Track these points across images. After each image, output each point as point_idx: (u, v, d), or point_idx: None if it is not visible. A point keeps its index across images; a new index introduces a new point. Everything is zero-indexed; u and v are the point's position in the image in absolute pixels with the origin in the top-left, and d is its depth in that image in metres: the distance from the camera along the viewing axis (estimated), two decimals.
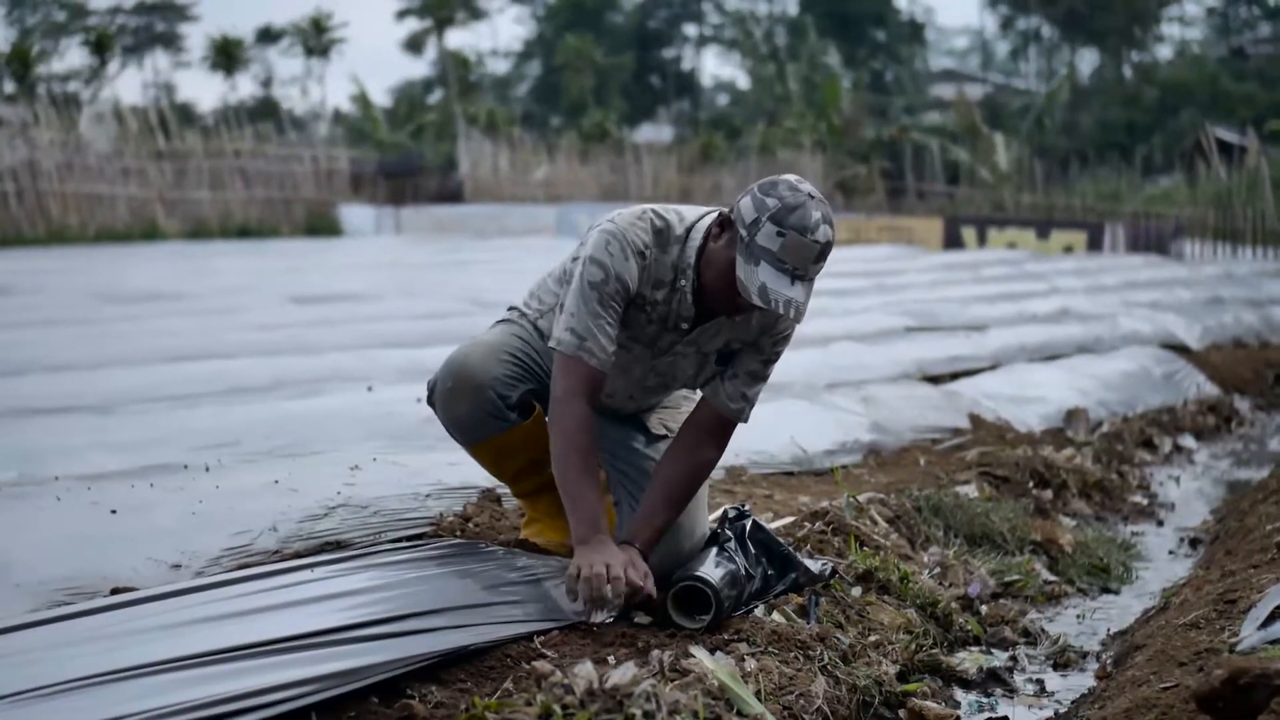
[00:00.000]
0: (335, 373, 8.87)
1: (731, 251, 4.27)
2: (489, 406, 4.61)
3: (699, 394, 4.77)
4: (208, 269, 22.06)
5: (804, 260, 4.18)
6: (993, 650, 5.23)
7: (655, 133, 58.65)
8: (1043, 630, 5.52)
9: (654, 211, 4.49)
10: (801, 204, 4.19)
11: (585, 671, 3.63)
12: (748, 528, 4.69)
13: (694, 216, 4.52)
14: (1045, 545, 6.49)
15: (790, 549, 4.79)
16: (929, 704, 4.44)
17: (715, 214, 4.48)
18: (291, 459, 5.99)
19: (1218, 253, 27.50)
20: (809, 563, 4.83)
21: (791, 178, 4.29)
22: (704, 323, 4.55)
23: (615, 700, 3.55)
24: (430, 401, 4.76)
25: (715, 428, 4.60)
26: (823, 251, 4.21)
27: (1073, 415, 9.11)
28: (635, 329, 4.55)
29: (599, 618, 4.27)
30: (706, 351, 4.62)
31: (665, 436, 4.80)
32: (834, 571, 4.95)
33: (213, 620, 3.71)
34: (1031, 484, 7.44)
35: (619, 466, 4.81)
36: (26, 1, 69.03)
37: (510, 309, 4.88)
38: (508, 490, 5.19)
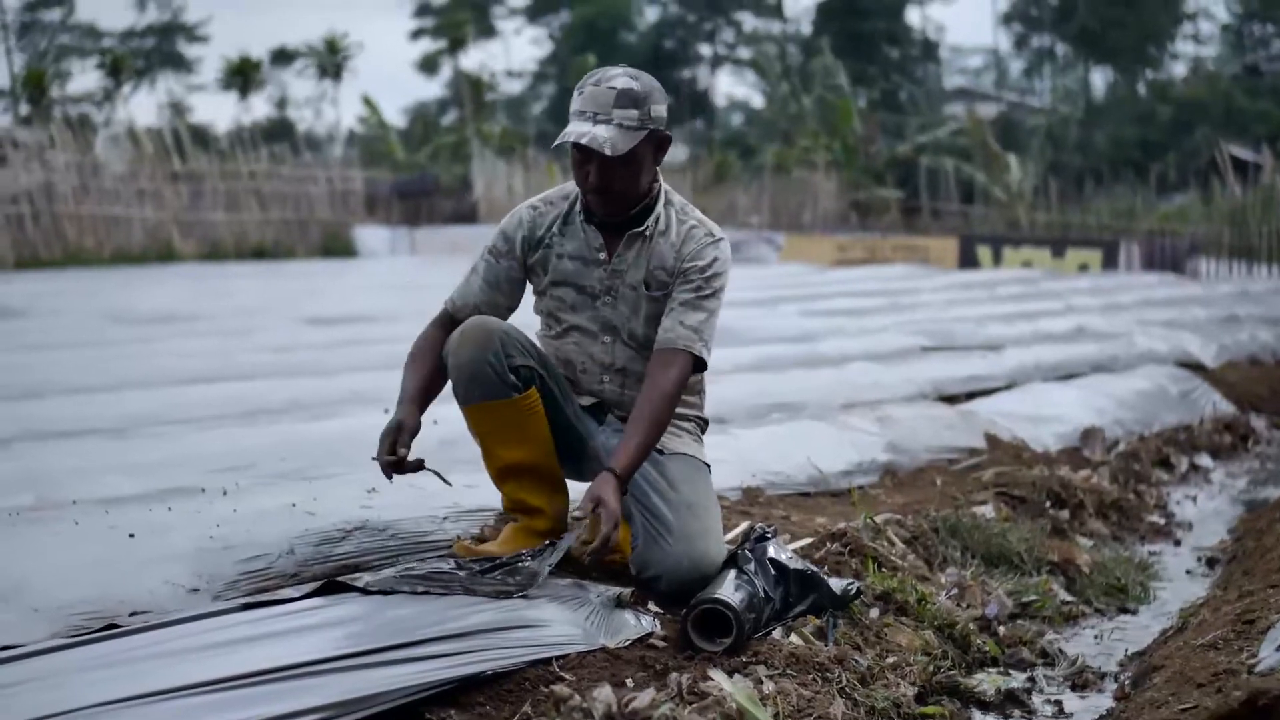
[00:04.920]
0: (351, 395, 8.87)
1: None
2: (491, 356, 4.74)
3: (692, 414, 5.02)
4: (223, 290, 22.09)
5: (602, 104, 4.61)
6: (1011, 671, 5.21)
7: (669, 152, 58.50)
8: (1061, 651, 5.50)
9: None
10: (603, 69, 4.75)
11: (604, 695, 3.63)
12: (769, 550, 4.69)
13: None
14: (1063, 566, 6.47)
15: (814, 569, 4.79)
16: None
17: None
18: (308, 482, 5.98)
19: (1233, 270, 27.43)
20: (832, 582, 4.83)
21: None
22: (616, 246, 4.86)
23: None
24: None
25: (668, 359, 4.76)
26: (622, 96, 4.62)
27: (1089, 435, 9.09)
28: (565, 276, 4.92)
29: None
30: (633, 283, 4.86)
31: (660, 451, 4.88)
32: (858, 592, 4.95)
33: (231, 644, 3.71)
34: (1048, 504, 7.42)
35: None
36: (38, 25, 69.15)
37: None
38: None
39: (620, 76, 4.66)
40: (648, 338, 4.89)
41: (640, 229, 4.83)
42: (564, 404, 4.96)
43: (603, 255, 4.87)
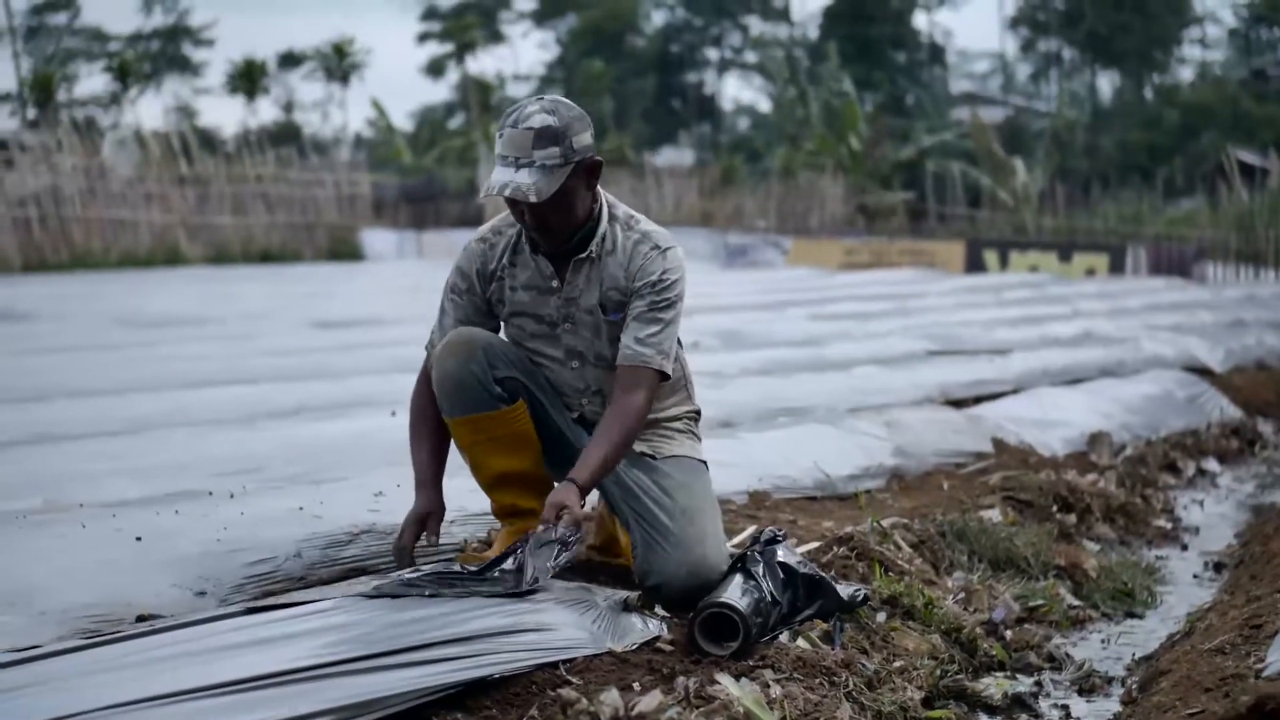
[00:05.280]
0: (358, 398, 8.88)
1: None
2: (475, 367, 4.74)
3: (671, 413, 5.01)
4: (230, 294, 22.11)
5: (521, 147, 4.52)
6: (1018, 676, 5.22)
7: (677, 156, 58.67)
8: (1068, 655, 5.51)
9: None
10: (520, 107, 4.63)
11: (611, 699, 3.63)
12: (778, 553, 4.70)
13: None
14: (1069, 570, 6.47)
15: (821, 574, 4.79)
16: None
17: None
18: (315, 485, 5.98)
19: (1240, 275, 27.41)
20: (841, 587, 4.83)
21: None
22: (565, 273, 4.80)
23: None
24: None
25: (628, 378, 4.73)
26: (539, 136, 4.52)
27: (1096, 439, 9.09)
28: (522, 307, 4.89)
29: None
30: (588, 307, 4.82)
31: (642, 455, 4.88)
32: (865, 598, 4.95)
33: (237, 648, 3.71)
34: (1055, 508, 7.42)
35: (611, 488, 4.90)
36: (44, 29, 69.24)
37: None
38: None
39: (536, 114, 4.57)
40: (607, 351, 4.87)
41: (584, 254, 4.78)
42: (553, 414, 4.94)
43: (555, 283, 4.82)
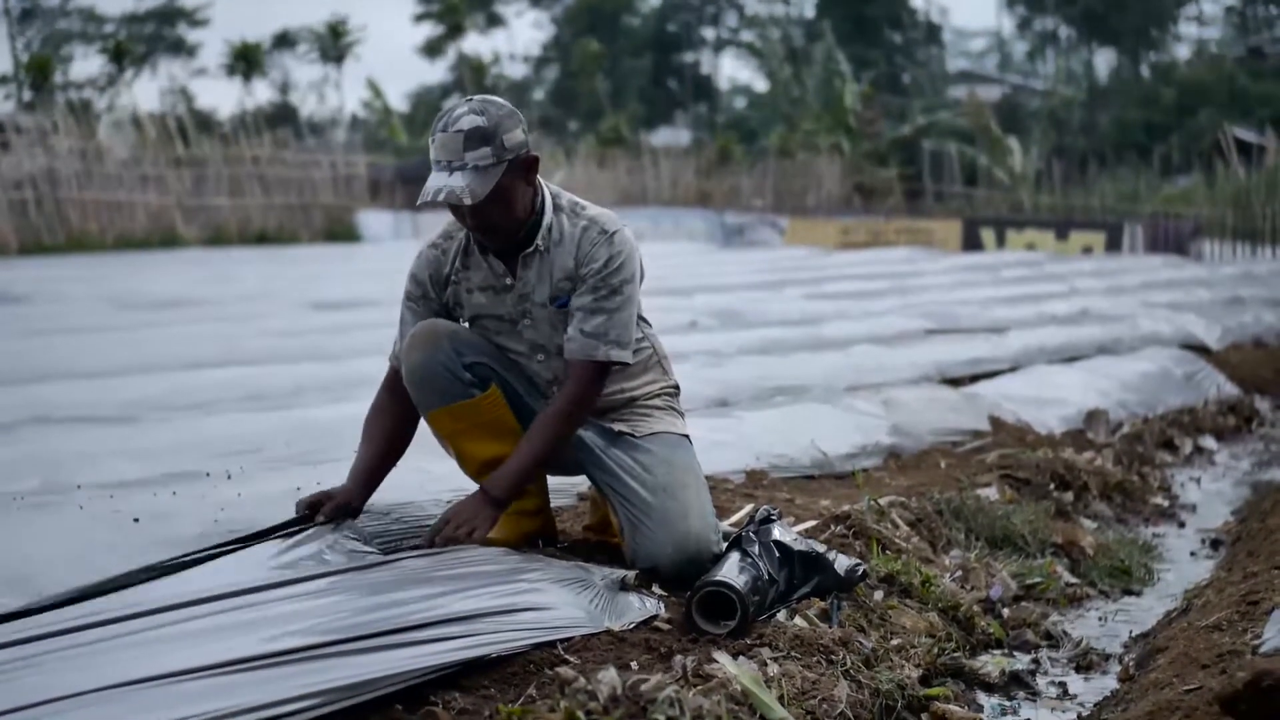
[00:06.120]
0: (356, 379, 8.86)
1: None
2: (442, 356, 4.76)
3: (649, 394, 5.03)
4: (227, 275, 22.10)
5: (453, 151, 4.54)
6: (1015, 653, 5.23)
7: (673, 136, 58.66)
8: (1065, 633, 5.51)
9: None
10: (449, 110, 4.64)
11: (609, 677, 3.63)
12: (774, 532, 4.70)
13: None
14: (1066, 548, 6.48)
15: (819, 550, 4.79)
16: (952, 707, 4.44)
17: None
18: (313, 466, 5.99)
19: (1237, 253, 27.44)
20: (839, 562, 4.83)
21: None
22: (515, 268, 4.81)
23: (639, 706, 3.55)
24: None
25: (570, 374, 4.77)
26: (469, 137, 4.53)
27: (1093, 417, 9.10)
28: (480, 309, 4.91)
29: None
30: (542, 301, 4.82)
31: (621, 434, 4.90)
32: (864, 573, 4.95)
33: (233, 628, 3.71)
34: (1052, 486, 7.42)
35: (593, 471, 4.94)
36: (39, 10, 69.14)
37: None
38: None
39: (465, 116, 4.57)
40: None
41: (531, 248, 4.77)
42: (528, 399, 4.94)
43: (509, 280, 4.82)
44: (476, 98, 4.68)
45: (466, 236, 4.87)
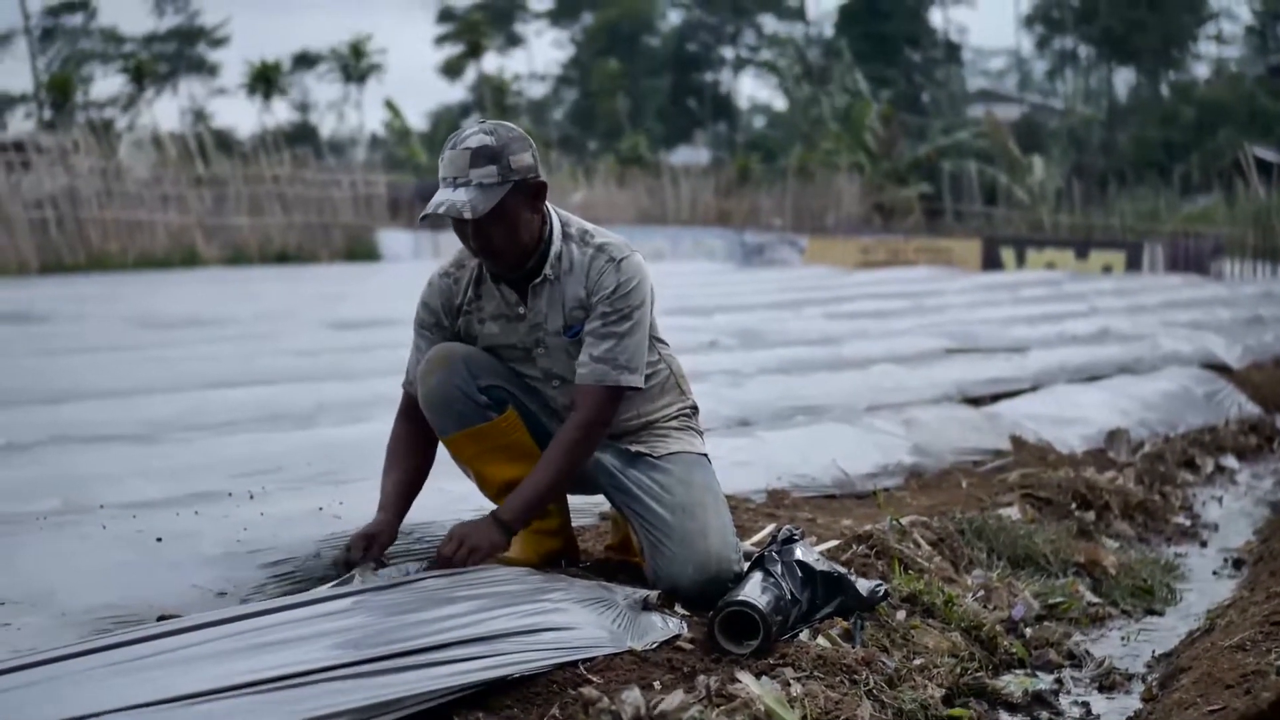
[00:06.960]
0: (376, 398, 8.86)
1: None
2: (458, 379, 4.75)
3: (662, 411, 5.01)
4: (247, 295, 22.14)
5: (459, 168, 4.56)
6: (1038, 673, 5.21)
7: (692, 155, 58.70)
8: (1087, 653, 5.50)
9: None
10: (460, 130, 4.68)
11: (632, 698, 3.63)
12: (796, 552, 4.70)
13: None
14: (1089, 567, 6.47)
15: (841, 571, 4.79)
16: None
17: None
18: (335, 485, 5.99)
19: (1257, 272, 27.40)
20: (860, 583, 4.83)
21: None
22: (527, 297, 4.79)
23: None
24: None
25: (581, 397, 4.73)
26: (476, 155, 4.55)
27: (1114, 436, 9.09)
28: (493, 340, 4.89)
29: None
30: (555, 330, 4.80)
31: (639, 455, 4.89)
32: (885, 594, 4.95)
33: (258, 649, 3.71)
34: (1074, 506, 7.41)
35: (612, 492, 4.94)
36: (60, 30, 69.42)
37: None
38: None
39: (474, 135, 4.59)
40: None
41: (540, 277, 4.76)
42: (545, 420, 4.93)
43: (521, 310, 4.80)
44: (489, 120, 4.71)
45: (479, 266, 4.86)
